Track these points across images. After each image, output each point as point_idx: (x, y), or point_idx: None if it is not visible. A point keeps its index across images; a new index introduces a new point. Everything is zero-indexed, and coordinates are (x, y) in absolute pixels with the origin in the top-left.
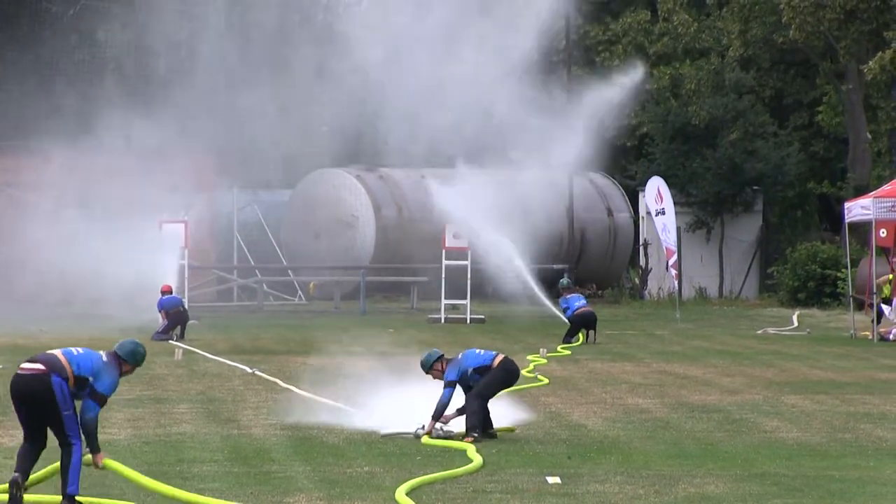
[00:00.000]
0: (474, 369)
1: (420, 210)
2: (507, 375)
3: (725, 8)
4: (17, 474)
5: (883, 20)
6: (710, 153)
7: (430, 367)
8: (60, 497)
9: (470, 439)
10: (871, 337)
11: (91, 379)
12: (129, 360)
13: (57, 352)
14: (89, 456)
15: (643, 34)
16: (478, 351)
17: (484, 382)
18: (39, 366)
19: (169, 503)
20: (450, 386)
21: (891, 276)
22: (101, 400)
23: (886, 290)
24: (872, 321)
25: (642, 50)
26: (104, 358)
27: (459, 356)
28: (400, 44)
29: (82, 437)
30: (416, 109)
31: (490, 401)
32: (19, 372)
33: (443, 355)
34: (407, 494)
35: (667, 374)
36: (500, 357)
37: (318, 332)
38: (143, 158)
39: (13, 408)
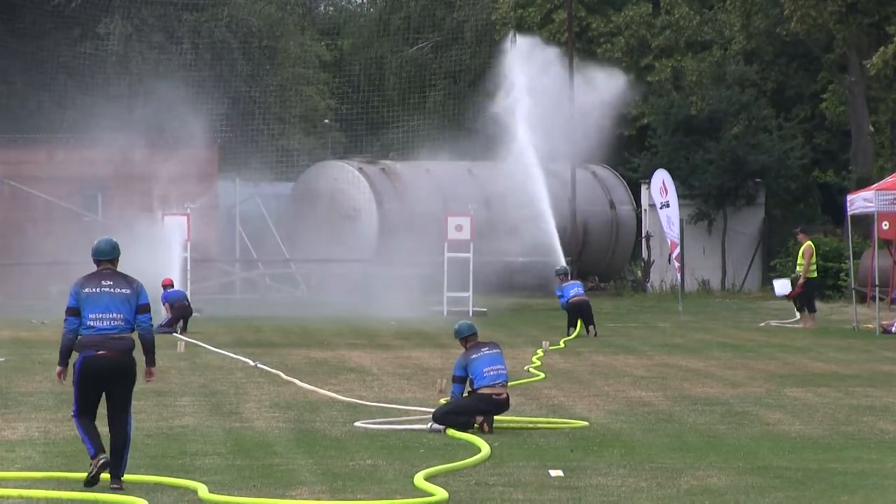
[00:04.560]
0: (471, 381)
1: (422, 202)
2: (478, 405)
3: (728, 0)
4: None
5: (884, 13)
6: (712, 146)
7: (464, 338)
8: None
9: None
10: (853, 323)
11: (143, 301)
12: (112, 256)
13: (121, 335)
14: None
15: (645, 27)
16: (484, 369)
17: (457, 403)
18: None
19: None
20: (457, 382)
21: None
22: (149, 308)
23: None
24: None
25: (644, 43)
26: (125, 289)
27: (473, 356)
28: None
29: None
30: None
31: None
32: (101, 354)
33: (473, 334)
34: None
35: (669, 366)
36: (489, 389)
37: (320, 324)
38: (145, 150)
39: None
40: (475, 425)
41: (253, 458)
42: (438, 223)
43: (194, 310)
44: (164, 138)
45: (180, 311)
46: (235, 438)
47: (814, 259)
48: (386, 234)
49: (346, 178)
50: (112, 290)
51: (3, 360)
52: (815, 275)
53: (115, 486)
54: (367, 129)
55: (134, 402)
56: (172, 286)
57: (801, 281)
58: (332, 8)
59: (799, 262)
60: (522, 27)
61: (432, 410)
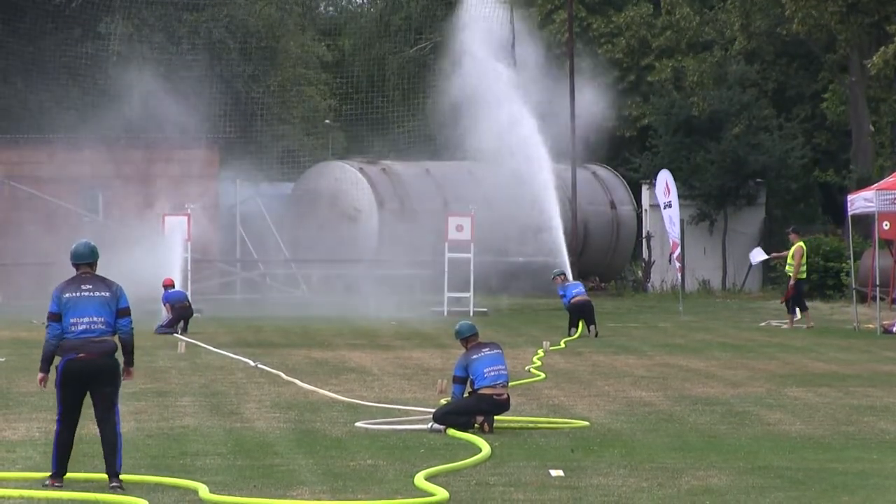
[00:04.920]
0: (472, 381)
1: (422, 202)
2: (479, 405)
3: (728, 0)
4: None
5: (885, 13)
6: (713, 146)
7: (465, 338)
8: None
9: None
10: (853, 323)
11: (123, 305)
12: (91, 259)
13: (102, 338)
14: None
15: (646, 27)
16: (485, 370)
17: (458, 403)
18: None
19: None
20: (458, 382)
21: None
22: (129, 311)
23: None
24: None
25: (645, 43)
26: (104, 292)
27: (474, 357)
28: None
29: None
30: None
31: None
32: (82, 357)
33: (474, 334)
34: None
35: (670, 366)
36: (489, 389)
37: (320, 324)
38: (146, 151)
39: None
40: (475, 425)
41: (253, 458)
42: (439, 223)
43: (195, 310)
44: (164, 138)
45: (181, 312)
46: (236, 439)
47: (803, 260)
48: (387, 234)
49: (347, 178)
50: (91, 293)
51: (3, 360)
52: (805, 276)
53: (114, 484)
54: (368, 130)
55: (135, 403)
56: (173, 286)
57: (791, 283)
58: (332, 8)
59: (789, 262)
60: (522, 29)
61: (433, 411)
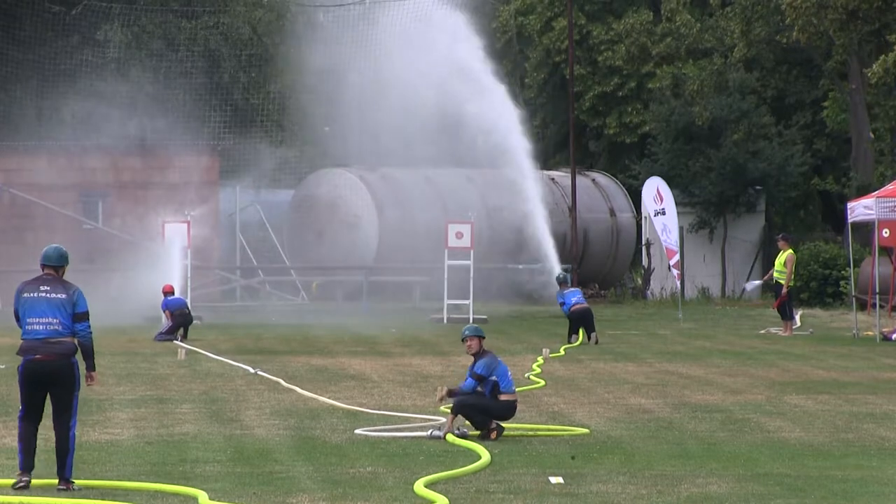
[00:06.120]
0: (492, 386)
1: (423, 209)
2: (495, 409)
3: (728, 7)
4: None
5: (884, 21)
6: (713, 153)
7: (472, 337)
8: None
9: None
10: (853, 330)
11: (80, 310)
12: (58, 263)
13: (59, 339)
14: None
15: (646, 34)
16: (509, 375)
17: (482, 400)
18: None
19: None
20: (476, 378)
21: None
22: (87, 316)
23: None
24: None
25: (645, 50)
26: (61, 294)
27: (499, 360)
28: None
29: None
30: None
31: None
32: (39, 358)
33: (483, 338)
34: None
35: (669, 374)
36: (510, 396)
37: (320, 332)
38: (146, 158)
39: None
40: (484, 430)
41: (253, 465)
42: (439, 230)
43: (194, 317)
44: (164, 145)
45: (180, 319)
46: (236, 446)
47: (794, 267)
48: (386, 241)
49: (347, 185)
50: (49, 295)
51: (3, 367)
52: (792, 283)
53: (62, 487)
54: (368, 136)
55: (134, 410)
56: (173, 293)
57: (784, 291)
58: (331, 16)
59: (779, 269)
60: (523, 35)
61: (433, 418)
